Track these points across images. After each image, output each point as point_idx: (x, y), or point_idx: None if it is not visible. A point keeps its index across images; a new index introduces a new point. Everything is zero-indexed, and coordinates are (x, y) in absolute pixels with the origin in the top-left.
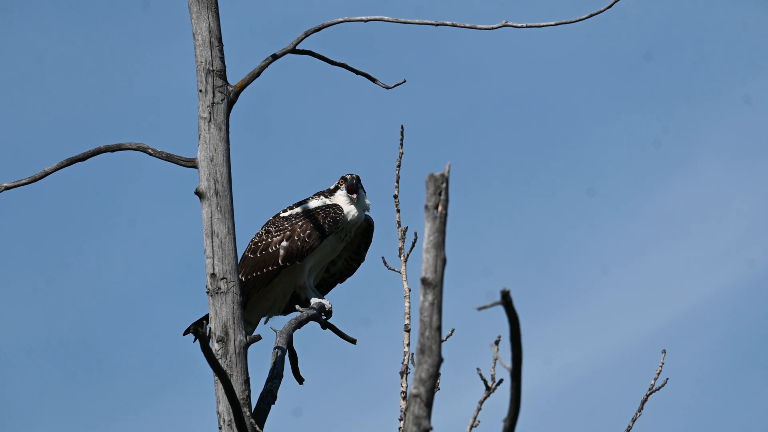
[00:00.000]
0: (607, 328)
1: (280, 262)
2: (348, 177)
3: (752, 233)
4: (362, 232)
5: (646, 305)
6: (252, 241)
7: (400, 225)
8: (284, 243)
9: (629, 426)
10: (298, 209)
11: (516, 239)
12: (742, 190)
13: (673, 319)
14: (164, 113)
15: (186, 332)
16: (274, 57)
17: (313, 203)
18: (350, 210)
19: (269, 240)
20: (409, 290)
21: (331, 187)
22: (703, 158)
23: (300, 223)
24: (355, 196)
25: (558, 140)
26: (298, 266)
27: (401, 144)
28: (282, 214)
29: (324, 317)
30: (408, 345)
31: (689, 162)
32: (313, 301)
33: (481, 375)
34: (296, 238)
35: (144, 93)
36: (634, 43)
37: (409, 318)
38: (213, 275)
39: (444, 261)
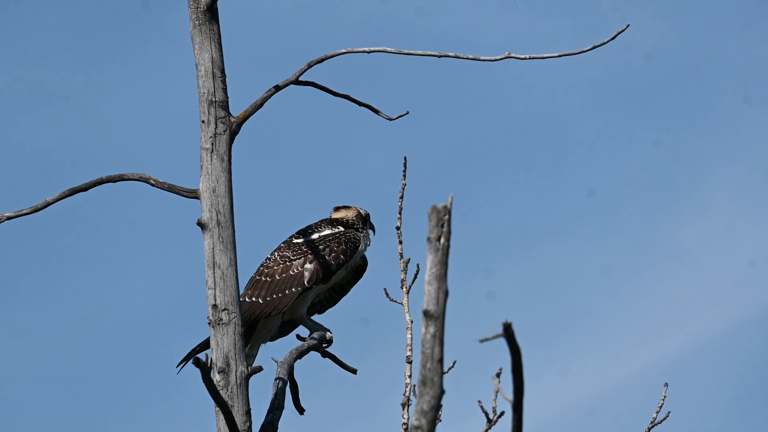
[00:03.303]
0: (615, 360)
1: (306, 283)
2: (364, 214)
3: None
4: (356, 268)
5: (655, 337)
6: (265, 265)
7: (402, 256)
8: (308, 265)
9: None
10: (316, 235)
11: (523, 271)
12: (753, 218)
13: (682, 352)
14: (166, 144)
15: (180, 364)
16: (277, 88)
17: (326, 231)
18: (367, 243)
19: (289, 263)
20: (411, 322)
21: (347, 220)
22: (713, 186)
23: (322, 247)
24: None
25: (565, 169)
26: (310, 291)
27: (404, 175)
28: (295, 240)
29: (325, 346)
30: (410, 376)
31: (699, 191)
32: (314, 330)
33: (482, 407)
34: (322, 261)
35: (146, 123)
36: (637, 58)
37: (410, 349)
38: (215, 306)
39: (446, 293)
